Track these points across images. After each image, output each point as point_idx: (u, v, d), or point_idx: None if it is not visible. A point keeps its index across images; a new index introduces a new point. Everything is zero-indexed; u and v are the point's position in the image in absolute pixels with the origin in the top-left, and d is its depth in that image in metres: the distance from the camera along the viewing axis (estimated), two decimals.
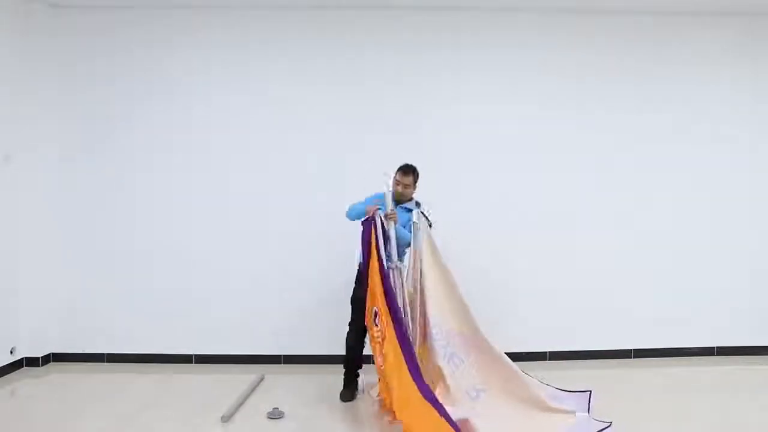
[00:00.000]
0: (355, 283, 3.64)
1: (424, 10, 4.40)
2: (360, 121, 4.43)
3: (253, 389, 3.82)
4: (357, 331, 3.61)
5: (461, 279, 4.34)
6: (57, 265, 4.40)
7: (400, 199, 3.62)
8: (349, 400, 3.60)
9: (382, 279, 3.30)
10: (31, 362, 4.31)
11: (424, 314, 3.46)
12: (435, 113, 4.47)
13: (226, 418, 3.29)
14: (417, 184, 3.65)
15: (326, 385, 3.86)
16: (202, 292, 4.41)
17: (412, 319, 3.48)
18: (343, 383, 3.69)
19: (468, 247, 4.44)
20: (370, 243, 3.39)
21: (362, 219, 3.50)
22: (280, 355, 4.43)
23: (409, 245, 3.60)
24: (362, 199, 3.66)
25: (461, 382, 3.35)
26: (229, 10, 4.40)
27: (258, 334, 4.43)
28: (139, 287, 4.41)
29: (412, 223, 3.58)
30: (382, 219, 3.47)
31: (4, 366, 4.10)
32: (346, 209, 3.63)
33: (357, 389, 3.72)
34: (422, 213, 3.63)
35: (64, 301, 4.41)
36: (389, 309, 3.23)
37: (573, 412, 3.29)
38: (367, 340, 3.58)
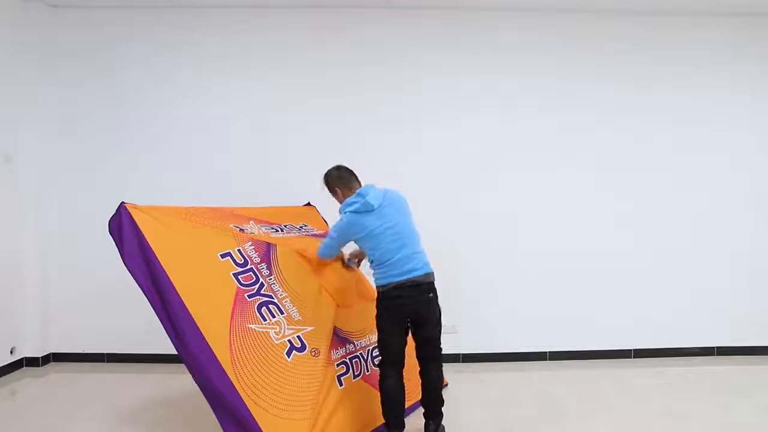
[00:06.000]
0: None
1: (424, 9, 4.40)
2: (362, 120, 4.44)
3: None
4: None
5: (460, 278, 4.38)
6: (57, 265, 4.40)
7: None
8: None
9: None
10: (31, 362, 4.31)
11: None
12: (434, 113, 4.47)
13: None
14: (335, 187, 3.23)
15: None
16: None
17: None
18: None
19: (468, 246, 4.45)
20: None
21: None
22: None
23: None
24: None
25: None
26: (229, 10, 4.40)
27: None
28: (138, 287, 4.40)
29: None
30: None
31: (4, 366, 4.11)
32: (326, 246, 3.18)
33: None
34: None
35: (64, 301, 4.41)
36: None
37: None
38: None
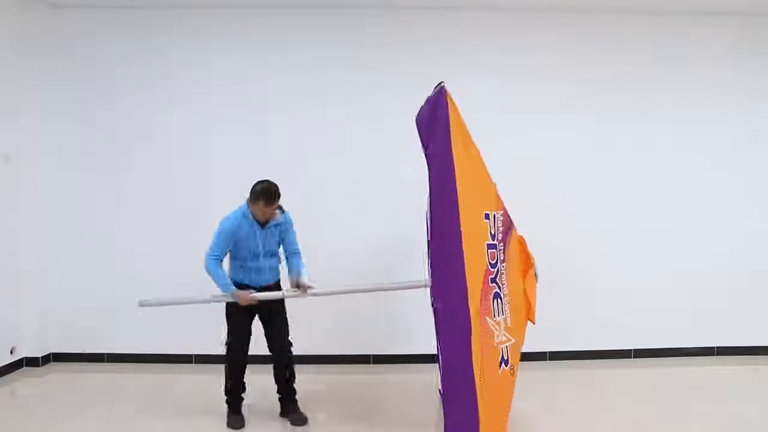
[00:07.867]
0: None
1: (424, 10, 4.40)
2: (362, 121, 4.44)
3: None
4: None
5: None
6: (57, 265, 4.40)
7: (267, 221, 3.31)
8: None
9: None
10: (31, 362, 4.31)
11: None
12: None
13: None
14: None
15: (327, 384, 3.87)
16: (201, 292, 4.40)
17: None
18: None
19: None
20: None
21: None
22: None
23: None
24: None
25: None
26: (229, 10, 4.39)
27: (257, 334, 4.42)
28: (139, 287, 4.39)
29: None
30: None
31: (4, 366, 4.11)
32: (208, 256, 3.29)
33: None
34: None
35: (64, 301, 4.41)
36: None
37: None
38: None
